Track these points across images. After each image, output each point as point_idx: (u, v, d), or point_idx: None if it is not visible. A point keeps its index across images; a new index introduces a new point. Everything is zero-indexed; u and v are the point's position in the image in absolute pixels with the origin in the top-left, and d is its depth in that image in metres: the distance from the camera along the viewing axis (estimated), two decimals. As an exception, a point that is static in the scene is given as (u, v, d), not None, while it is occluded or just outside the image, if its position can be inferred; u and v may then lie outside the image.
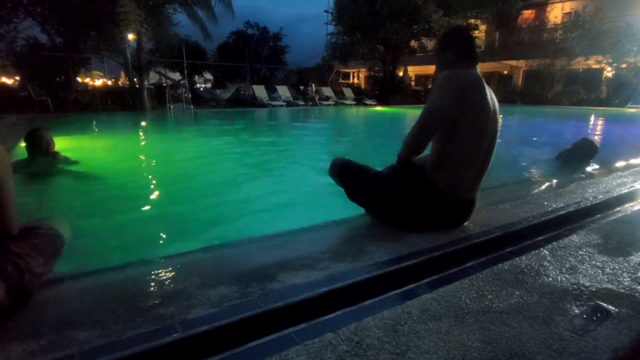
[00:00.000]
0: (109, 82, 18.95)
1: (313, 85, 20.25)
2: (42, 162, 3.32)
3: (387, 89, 21.34)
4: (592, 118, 13.75)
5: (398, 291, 1.26)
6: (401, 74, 23.72)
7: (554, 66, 21.38)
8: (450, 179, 1.74)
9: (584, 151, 3.91)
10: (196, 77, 24.07)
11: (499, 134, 1.79)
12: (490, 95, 1.75)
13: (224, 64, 23.18)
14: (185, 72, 18.37)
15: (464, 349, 0.95)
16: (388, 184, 1.84)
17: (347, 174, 1.97)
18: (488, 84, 1.79)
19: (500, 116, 1.86)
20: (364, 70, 28.02)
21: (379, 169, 1.96)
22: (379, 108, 18.41)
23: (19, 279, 1.09)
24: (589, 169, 3.75)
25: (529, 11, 24.65)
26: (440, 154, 1.74)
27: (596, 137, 8.31)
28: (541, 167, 4.52)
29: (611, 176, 3.05)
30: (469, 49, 1.79)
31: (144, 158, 5.68)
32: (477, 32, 21.96)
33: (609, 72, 20.51)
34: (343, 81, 29.67)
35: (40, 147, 3.29)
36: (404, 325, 1.04)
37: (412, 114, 12.62)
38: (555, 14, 23.46)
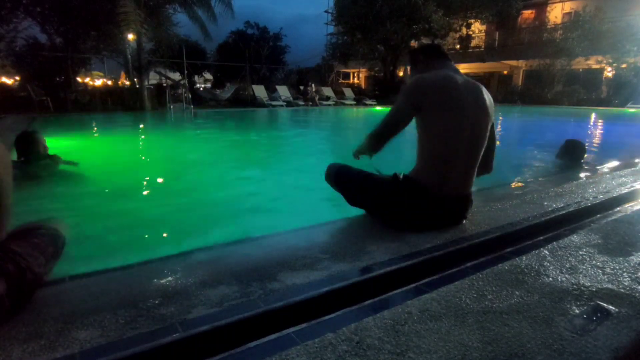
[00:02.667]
0: (109, 82, 18.94)
1: (313, 85, 20.25)
2: (39, 165, 3.27)
3: (387, 89, 21.34)
4: (592, 118, 13.76)
5: (398, 291, 1.26)
6: (401, 74, 23.73)
7: (554, 66, 21.38)
8: (437, 176, 1.76)
9: (572, 152, 3.90)
10: (196, 77, 24.07)
11: (482, 128, 1.79)
12: (473, 90, 1.78)
13: (224, 64, 23.18)
14: (185, 72, 18.37)
15: (464, 348, 0.95)
16: (382, 187, 1.85)
17: (342, 180, 1.99)
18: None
19: (493, 117, 1.86)
20: (364, 70, 28.03)
21: (378, 170, 1.97)
22: (379, 108, 18.41)
23: (19, 278, 1.08)
24: (583, 168, 3.75)
25: (529, 11, 24.64)
26: (420, 155, 1.80)
27: (596, 137, 8.31)
28: (541, 167, 4.53)
29: (611, 176, 3.05)
30: (436, 50, 1.95)
31: (143, 158, 5.68)
32: (470, 31, 21.90)
33: (609, 72, 20.52)
34: (343, 81, 29.67)
35: (34, 151, 3.24)
36: (404, 325, 1.04)
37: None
38: (555, 14, 23.46)
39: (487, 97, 1.83)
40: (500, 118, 13.35)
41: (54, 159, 3.44)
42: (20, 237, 1.20)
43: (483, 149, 1.82)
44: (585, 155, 3.99)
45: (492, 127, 1.89)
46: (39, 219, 1.41)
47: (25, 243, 1.18)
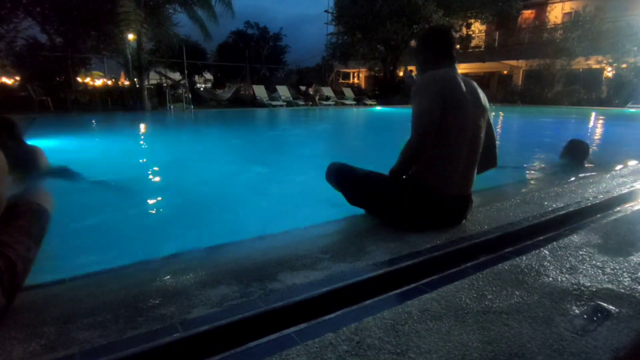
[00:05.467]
0: (109, 82, 18.93)
1: (313, 85, 20.25)
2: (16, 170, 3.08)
3: (387, 89, 21.34)
4: (592, 118, 13.75)
5: (398, 291, 1.26)
6: (401, 74, 23.71)
7: (554, 66, 21.38)
8: (439, 176, 1.76)
9: (575, 152, 3.90)
10: (196, 77, 24.08)
11: (481, 128, 1.81)
12: (472, 90, 1.80)
13: (224, 64, 23.20)
14: (186, 72, 18.37)
15: (464, 348, 0.95)
16: (383, 187, 1.85)
17: (343, 179, 1.99)
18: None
19: (490, 112, 1.89)
20: (364, 70, 28.02)
21: (378, 170, 1.97)
22: (379, 108, 18.41)
23: (11, 272, 1.05)
24: (585, 168, 3.75)
25: (529, 11, 24.64)
26: (426, 154, 1.77)
27: (596, 137, 8.31)
28: (541, 167, 4.53)
29: (611, 176, 3.05)
30: (449, 48, 1.84)
31: (143, 159, 5.68)
32: (470, 31, 21.90)
33: (609, 72, 20.52)
34: (343, 81, 29.66)
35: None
36: (405, 325, 1.04)
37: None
38: (555, 14, 23.46)
39: (482, 94, 1.85)
40: (501, 114, 13.35)
41: (36, 152, 3.23)
42: (5, 222, 1.13)
43: (481, 150, 1.83)
44: (588, 157, 4.00)
45: (489, 122, 1.90)
46: (18, 192, 1.33)
47: (11, 228, 1.12)
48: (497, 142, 2.00)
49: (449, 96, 1.68)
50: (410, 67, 21.34)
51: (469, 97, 1.76)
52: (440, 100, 1.65)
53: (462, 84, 1.76)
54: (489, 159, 1.94)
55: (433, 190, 1.75)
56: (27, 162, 3.09)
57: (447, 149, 1.73)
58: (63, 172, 3.40)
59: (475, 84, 1.86)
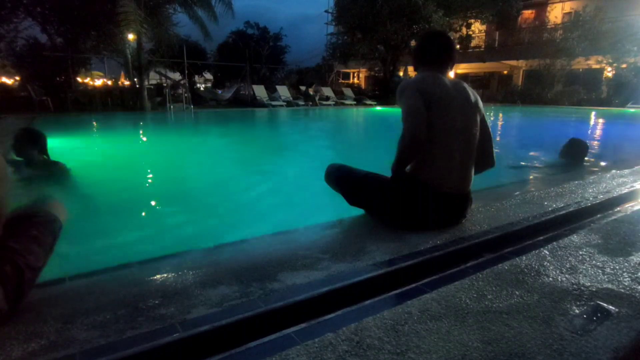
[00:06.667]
0: (109, 82, 18.93)
1: (313, 85, 20.26)
2: (37, 166, 3.16)
3: (387, 89, 21.34)
4: (592, 118, 13.75)
5: (398, 291, 1.26)
6: (401, 74, 23.71)
7: (554, 66, 21.38)
8: (435, 173, 1.77)
9: (574, 151, 3.92)
10: (196, 77, 24.08)
11: (474, 125, 1.84)
12: (460, 88, 1.85)
13: (224, 64, 23.21)
14: (186, 72, 18.38)
15: (464, 349, 0.95)
16: (382, 187, 1.86)
17: (342, 180, 2.00)
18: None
19: (486, 112, 1.92)
20: (364, 70, 28.03)
21: (378, 169, 1.97)
22: (379, 108, 18.41)
23: (18, 279, 1.05)
24: (585, 168, 3.76)
25: (529, 11, 24.65)
26: (423, 152, 1.79)
27: (596, 137, 8.31)
28: (543, 166, 4.52)
29: (611, 176, 3.05)
30: (436, 52, 1.90)
31: (142, 159, 5.68)
32: (470, 31, 21.89)
33: (609, 72, 20.52)
34: (343, 81, 29.66)
35: (32, 150, 3.10)
36: (404, 325, 1.04)
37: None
38: (555, 14, 23.47)
39: (472, 93, 1.89)
40: (501, 114, 13.34)
41: (57, 166, 3.32)
42: (18, 231, 1.14)
43: (476, 146, 1.85)
44: (587, 156, 4.01)
45: (484, 121, 1.91)
46: (34, 200, 1.35)
47: (24, 237, 1.13)
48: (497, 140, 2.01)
49: (428, 92, 1.73)
50: (410, 67, 21.35)
51: (455, 93, 1.79)
52: (419, 95, 1.71)
53: (446, 82, 1.80)
54: (487, 159, 1.96)
55: (431, 187, 1.75)
56: (48, 174, 3.17)
57: (440, 145, 1.75)
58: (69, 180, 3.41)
59: (464, 84, 1.90)
